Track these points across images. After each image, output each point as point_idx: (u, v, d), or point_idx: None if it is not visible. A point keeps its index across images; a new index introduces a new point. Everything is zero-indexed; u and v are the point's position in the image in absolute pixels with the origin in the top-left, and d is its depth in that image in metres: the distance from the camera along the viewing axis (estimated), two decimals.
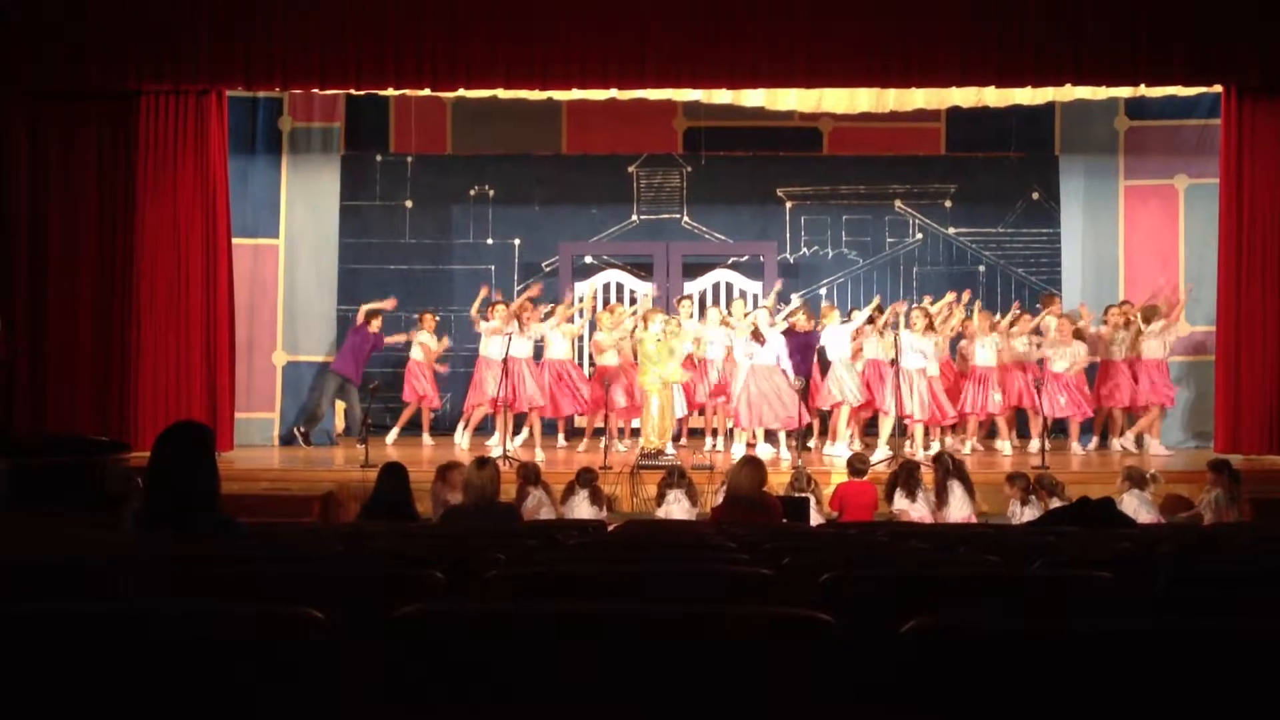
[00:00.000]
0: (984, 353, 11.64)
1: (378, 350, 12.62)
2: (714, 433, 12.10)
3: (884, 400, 11.42)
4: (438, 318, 12.79)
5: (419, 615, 2.06)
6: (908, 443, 11.24)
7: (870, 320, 11.74)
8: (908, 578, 3.16)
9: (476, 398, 11.85)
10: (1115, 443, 11.92)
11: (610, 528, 6.32)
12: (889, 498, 8.78)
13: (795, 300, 12.36)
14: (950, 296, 12.10)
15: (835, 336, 11.54)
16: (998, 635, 2.01)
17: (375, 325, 12.45)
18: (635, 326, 11.68)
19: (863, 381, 11.54)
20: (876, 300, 12.24)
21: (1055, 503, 8.19)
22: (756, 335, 11.24)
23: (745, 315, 11.65)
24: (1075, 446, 11.78)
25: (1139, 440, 11.87)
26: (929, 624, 2.00)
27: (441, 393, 12.81)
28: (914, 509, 8.61)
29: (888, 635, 2.01)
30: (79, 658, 2.01)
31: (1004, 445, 11.81)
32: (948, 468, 8.89)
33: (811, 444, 11.65)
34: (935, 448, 11.20)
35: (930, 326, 11.36)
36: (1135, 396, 11.79)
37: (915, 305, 11.89)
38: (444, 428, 12.80)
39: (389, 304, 12.66)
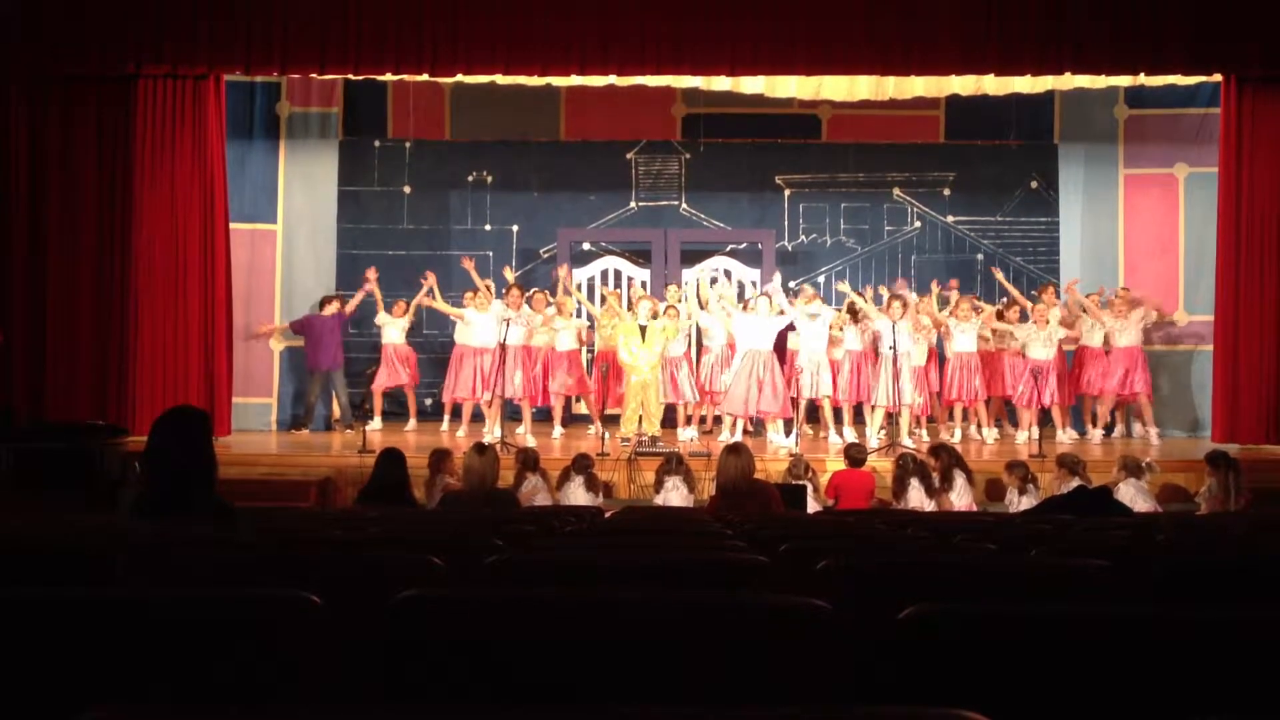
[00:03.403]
0: (963, 339, 11.65)
1: (345, 320, 12.56)
2: (701, 420, 12.15)
3: (870, 390, 11.46)
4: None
5: (417, 601, 2.06)
6: (907, 433, 11.24)
7: (851, 310, 11.78)
8: (905, 565, 3.17)
9: (462, 390, 11.86)
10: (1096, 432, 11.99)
11: (608, 514, 6.32)
12: (898, 495, 8.72)
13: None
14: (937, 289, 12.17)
15: (811, 329, 11.48)
16: (996, 621, 2.02)
17: (333, 308, 12.44)
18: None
19: (837, 372, 11.59)
20: (844, 290, 12.13)
21: (1075, 482, 8.18)
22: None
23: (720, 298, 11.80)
24: (1060, 435, 11.79)
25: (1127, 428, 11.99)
26: (927, 610, 2.00)
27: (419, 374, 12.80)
28: (914, 497, 8.60)
29: (885, 622, 2.01)
30: (75, 642, 2.02)
31: (988, 434, 11.85)
32: (952, 457, 8.90)
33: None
34: (949, 434, 11.36)
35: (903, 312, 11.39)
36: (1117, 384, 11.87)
37: (893, 293, 11.89)
38: (433, 414, 12.83)
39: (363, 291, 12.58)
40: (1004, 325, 12.03)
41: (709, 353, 12.07)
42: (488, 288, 11.92)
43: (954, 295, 12.15)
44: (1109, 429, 12.08)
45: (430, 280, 12.27)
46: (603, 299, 12.89)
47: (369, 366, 12.41)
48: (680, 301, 11.92)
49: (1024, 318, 12.14)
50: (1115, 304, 11.93)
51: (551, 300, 12.14)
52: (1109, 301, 12.10)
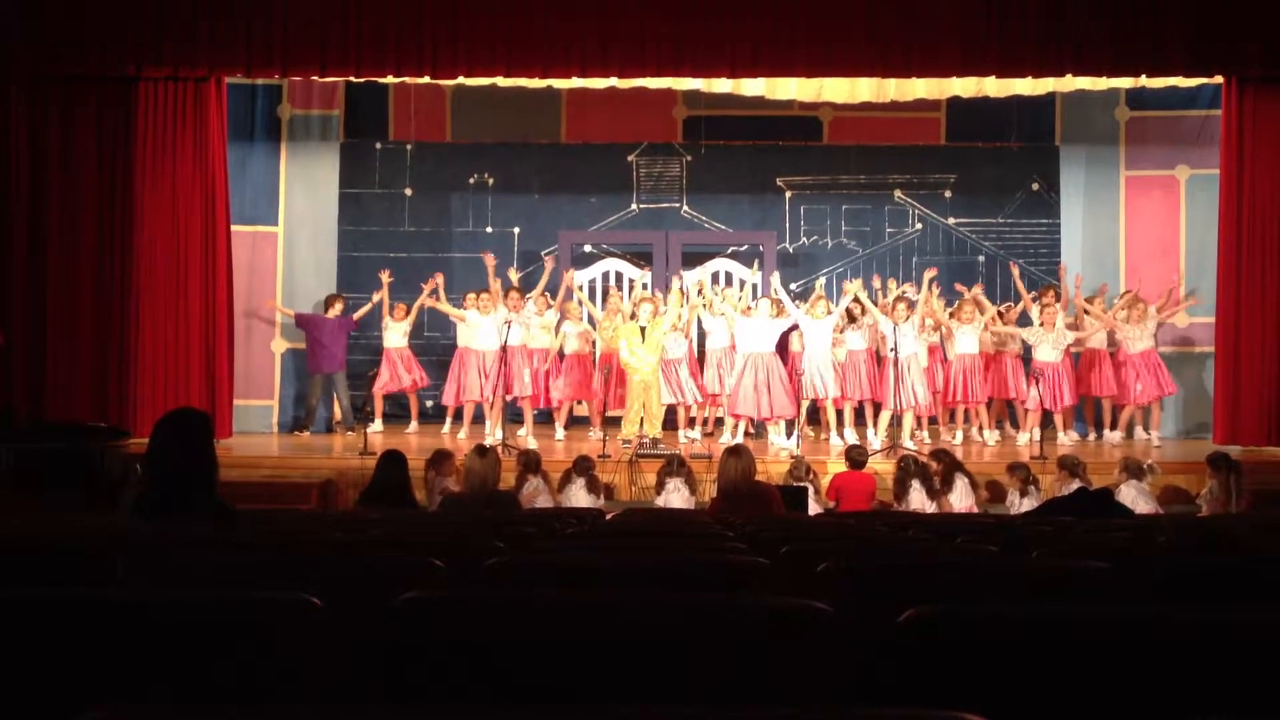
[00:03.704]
0: (965, 341, 11.64)
1: (353, 330, 12.59)
2: (704, 422, 12.15)
3: (877, 391, 11.44)
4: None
5: (418, 603, 2.06)
6: (907, 435, 11.23)
7: (848, 312, 11.76)
8: (906, 567, 3.17)
9: (466, 392, 11.85)
10: (1109, 434, 11.96)
11: (609, 516, 6.32)
12: (899, 497, 8.70)
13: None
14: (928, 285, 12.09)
15: (815, 330, 11.45)
16: (996, 623, 2.02)
17: (337, 309, 12.43)
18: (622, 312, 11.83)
19: (842, 372, 11.56)
20: (853, 289, 12.02)
21: (1075, 484, 8.15)
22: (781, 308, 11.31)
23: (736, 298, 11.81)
24: (1061, 437, 11.77)
25: (1129, 431, 11.95)
26: (927, 612, 2.00)
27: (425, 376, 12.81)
28: (916, 499, 8.59)
29: (886, 624, 2.01)
30: (75, 643, 2.02)
31: (990, 436, 11.83)
32: (953, 460, 8.90)
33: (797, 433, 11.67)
34: (949, 436, 11.34)
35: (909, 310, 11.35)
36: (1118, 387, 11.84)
37: (899, 294, 11.85)
38: (434, 416, 12.84)
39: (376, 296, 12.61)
40: (1006, 328, 12.01)
41: (710, 353, 12.04)
42: (496, 290, 11.87)
43: (971, 292, 12.07)
44: (1122, 431, 12.02)
45: (433, 283, 12.25)
46: (605, 297, 12.88)
47: (370, 369, 12.40)
48: (683, 306, 11.89)
49: (1024, 320, 12.12)
50: (1130, 310, 11.85)
51: (552, 303, 12.14)
52: (1123, 305, 12.00)
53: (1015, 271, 12.47)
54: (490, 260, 12.13)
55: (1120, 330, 11.82)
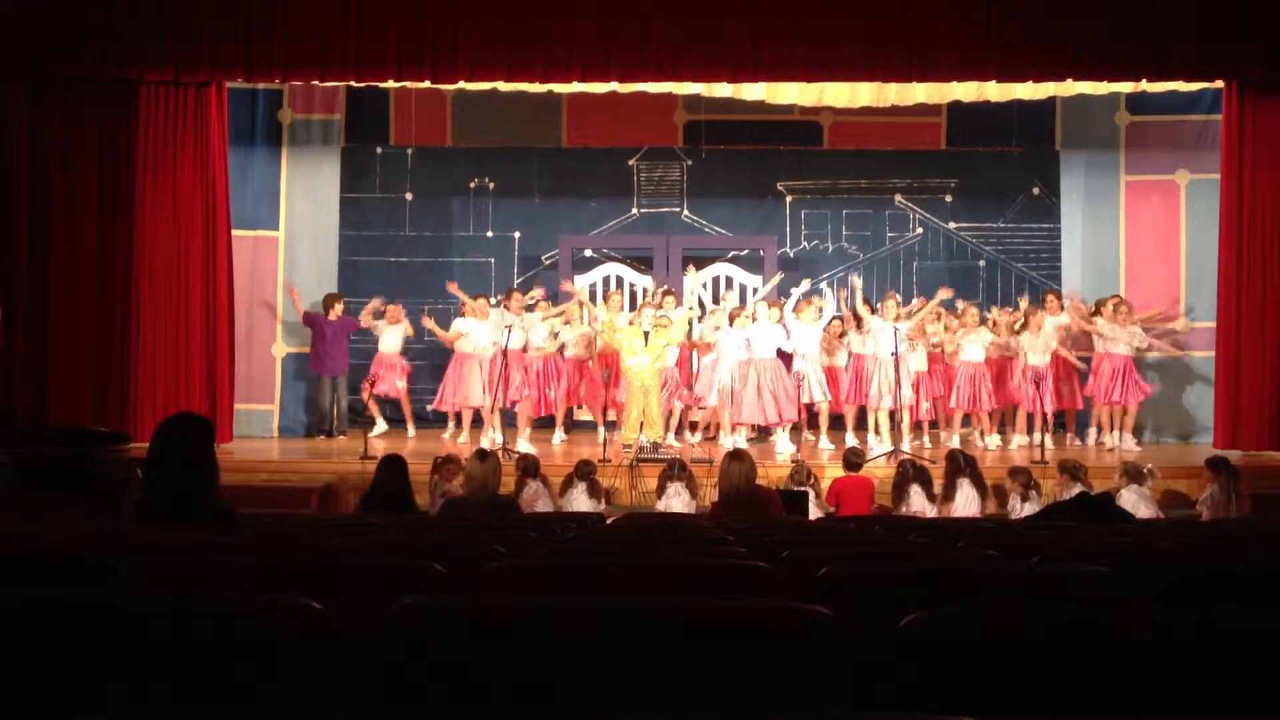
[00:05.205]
0: (971, 349, 11.63)
1: (354, 330, 12.60)
2: (705, 427, 12.12)
3: (874, 394, 11.42)
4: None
5: (418, 608, 2.06)
6: (906, 438, 11.22)
7: (843, 317, 11.75)
8: (907, 572, 3.16)
9: (458, 396, 11.85)
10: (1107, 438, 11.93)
11: (610, 520, 6.32)
12: (898, 502, 8.68)
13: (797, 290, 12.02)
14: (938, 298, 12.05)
15: (804, 335, 11.41)
16: (997, 628, 2.01)
17: (337, 310, 12.43)
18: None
19: (838, 376, 11.54)
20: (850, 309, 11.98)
21: (1077, 488, 8.12)
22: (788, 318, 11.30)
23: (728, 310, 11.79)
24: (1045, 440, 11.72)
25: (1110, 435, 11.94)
26: (928, 616, 2.00)
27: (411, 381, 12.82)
28: (916, 503, 8.58)
29: (887, 628, 2.01)
30: (75, 647, 2.01)
31: (991, 440, 11.79)
32: (959, 465, 8.85)
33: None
34: (947, 439, 11.32)
35: (899, 316, 11.33)
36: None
37: (887, 293, 11.86)
38: (435, 421, 12.84)
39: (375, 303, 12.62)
40: (1005, 331, 12.00)
41: (703, 365, 12.02)
42: (481, 304, 11.87)
43: (959, 304, 12.06)
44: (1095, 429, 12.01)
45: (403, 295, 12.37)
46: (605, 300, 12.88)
47: (368, 374, 12.40)
48: (684, 306, 11.89)
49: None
50: (1118, 314, 11.81)
51: (551, 309, 12.14)
52: (1113, 308, 11.97)
53: (1024, 302, 12.32)
54: (454, 287, 12.26)
55: (1103, 332, 11.77)
